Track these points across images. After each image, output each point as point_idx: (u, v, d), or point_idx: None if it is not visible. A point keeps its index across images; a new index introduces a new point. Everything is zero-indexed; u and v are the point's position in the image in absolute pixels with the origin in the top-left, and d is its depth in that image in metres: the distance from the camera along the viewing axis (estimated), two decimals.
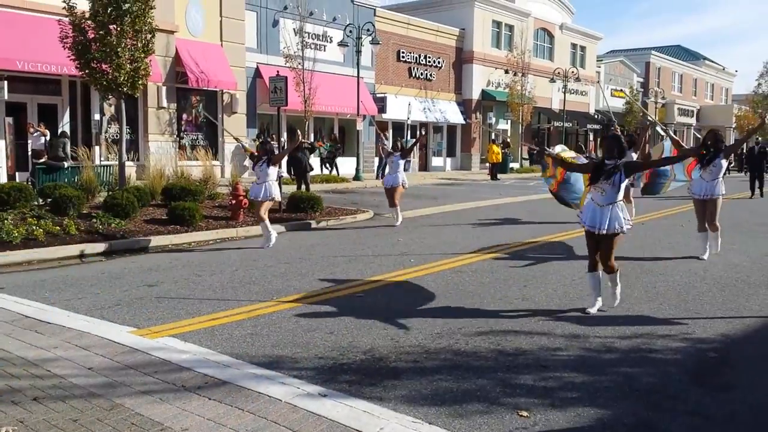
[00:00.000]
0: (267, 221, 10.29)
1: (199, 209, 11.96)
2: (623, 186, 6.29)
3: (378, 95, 29.00)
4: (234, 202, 12.55)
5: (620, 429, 3.86)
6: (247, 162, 11.22)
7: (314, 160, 20.91)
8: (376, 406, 4.05)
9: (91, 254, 9.57)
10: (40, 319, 5.84)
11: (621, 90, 46.19)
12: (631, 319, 6.20)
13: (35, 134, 16.79)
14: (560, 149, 8.52)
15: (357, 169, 25.06)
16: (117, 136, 17.03)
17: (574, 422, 3.92)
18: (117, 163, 14.40)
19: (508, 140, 34.84)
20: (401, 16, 31.18)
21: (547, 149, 8.02)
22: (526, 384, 4.50)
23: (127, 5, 12.35)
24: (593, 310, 6.36)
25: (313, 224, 12.96)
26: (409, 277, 7.99)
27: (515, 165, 35.35)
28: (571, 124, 40.37)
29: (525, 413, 4.02)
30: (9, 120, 17.06)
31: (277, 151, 11.42)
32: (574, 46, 42.03)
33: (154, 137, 20.07)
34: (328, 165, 25.64)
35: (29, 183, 14.04)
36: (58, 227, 10.12)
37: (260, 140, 12.22)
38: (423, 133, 27.93)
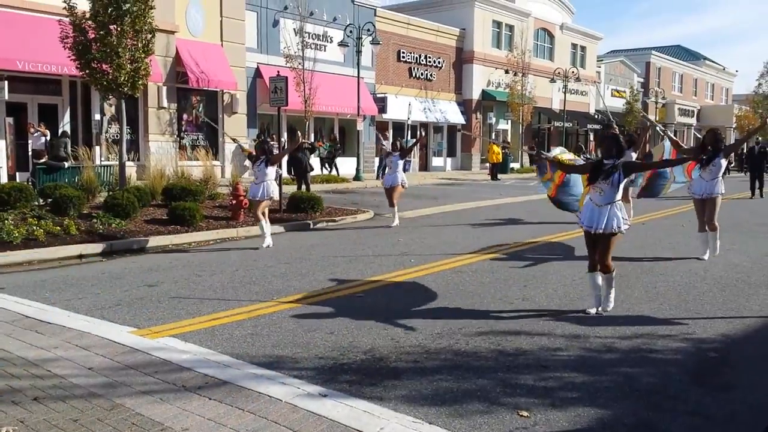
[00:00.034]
0: (263, 221, 10.25)
1: (199, 209, 11.97)
2: (622, 186, 6.27)
3: (378, 95, 29.01)
4: (234, 202, 12.56)
5: (620, 429, 3.86)
6: (248, 162, 11.24)
7: (314, 161, 20.92)
8: (376, 406, 4.05)
9: (91, 254, 9.58)
10: (41, 319, 5.85)
11: (622, 91, 46.23)
12: (632, 319, 6.20)
13: (35, 134, 16.80)
14: (559, 151, 8.42)
15: (357, 170, 25.07)
16: (117, 136, 17.03)
17: (575, 422, 3.92)
18: (117, 163, 14.40)
19: (509, 142, 34.85)
20: (401, 16, 31.19)
21: (544, 152, 7.93)
22: (527, 384, 4.50)
23: (127, 5, 12.35)
24: (593, 311, 6.35)
25: (314, 224, 12.96)
26: (410, 277, 8.00)
27: (516, 165, 35.36)
28: (571, 124, 40.36)
29: (525, 413, 4.02)
30: (9, 120, 17.06)
31: (276, 151, 11.42)
32: (574, 46, 42.03)
33: (155, 137, 20.07)
34: (327, 165, 25.65)
35: (30, 183, 14.04)
36: (58, 227, 10.12)
37: (260, 140, 12.21)
38: (422, 133, 27.94)
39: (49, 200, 11.68)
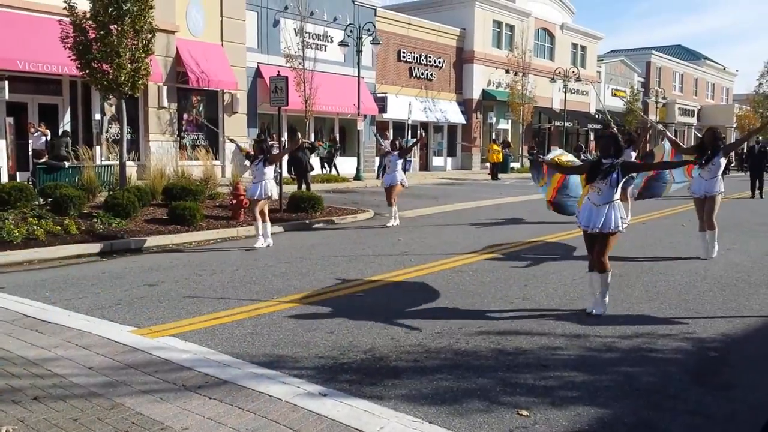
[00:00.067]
0: (260, 221, 10.21)
1: (199, 209, 11.97)
2: (620, 185, 6.24)
3: (378, 95, 29.01)
4: (235, 201, 12.56)
5: (620, 428, 3.86)
6: (247, 162, 11.20)
7: (314, 160, 20.91)
8: (376, 406, 4.05)
9: (91, 254, 9.58)
10: (41, 319, 5.85)
11: (622, 90, 46.20)
12: (632, 318, 6.19)
13: (36, 134, 16.80)
14: (559, 152, 8.33)
15: (357, 169, 25.07)
16: (118, 136, 17.02)
17: (575, 421, 3.92)
18: (118, 162, 14.41)
19: (509, 142, 34.86)
20: (402, 16, 31.19)
21: (541, 156, 7.85)
22: (527, 383, 4.50)
23: (127, 5, 12.35)
24: (592, 310, 6.34)
25: (314, 224, 12.96)
26: (410, 276, 8.00)
27: (516, 165, 35.36)
28: (571, 124, 40.36)
29: (525, 412, 4.02)
30: (10, 120, 17.06)
31: (276, 150, 11.40)
32: (574, 45, 42.03)
33: (155, 137, 20.08)
34: (326, 165, 25.65)
35: (30, 183, 14.04)
36: (58, 227, 10.13)
37: (258, 139, 12.15)
38: (422, 134, 27.95)
39: (50, 200, 11.69)
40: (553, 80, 35.85)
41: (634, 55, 51.46)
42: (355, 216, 13.99)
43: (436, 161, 34.02)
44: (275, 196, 10.65)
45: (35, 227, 9.81)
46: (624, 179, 6.34)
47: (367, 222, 13.62)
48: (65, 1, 12.62)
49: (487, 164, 30.79)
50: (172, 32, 20.04)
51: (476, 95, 34.64)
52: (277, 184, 11.24)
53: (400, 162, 12.84)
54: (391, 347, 5.23)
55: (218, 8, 22.11)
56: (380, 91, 29.36)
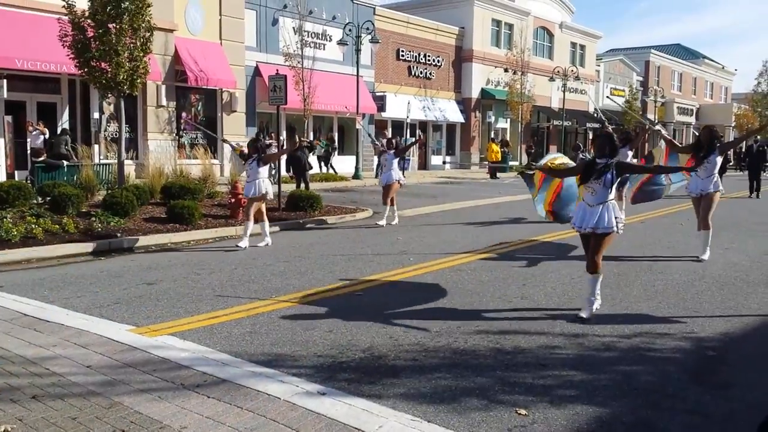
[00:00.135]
0: (250, 222, 10.12)
1: (198, 208, 11.97)
2: (614, 186, 6.15)
3: (377, 94, 29.00)
4: (233, 200, 12.55)
5: (619, 427, 3.86)
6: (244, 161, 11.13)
7: (312, 159, 20.90)
8: (375, 404, 4.05)
9: (89, 253, 9.57)
10: (39, 318, 5.84)
11: (621, 89, 46.21)
12: (630, 317, 6.19)
13: (34, 133, 16.79)
14: (552, 156, 8.12)
15: (356, 168, 25.06)
16: (116, 134, 17.03)
17: (573, 420, 3.92)
18: (116, 161, 14.39)
19: (508, 142, 34.87)
20: (401, 15, 31.18)
21: (533, 164, 7.63)
22: (525, 382, 4.50)
23: (125, 3, 12.34)
24: (592, 309, 6.33)
25: (313, 223, 12.95)
26: (409, 275, 8.00)
27: (515, 164, 35.35)
28: (570, 123, 40.37)
29: (524, 411, 4.02)
30: (8, 118, 17.06)
31: (275, 149, 11.37)
32: (573, 44, 42.03)
33: (154, 136, 20.07)
34: (323, 164, 25.65)
35: (28, 181, 14.04)
36: (57, 226, 10.11)
37: (253, 138, 12.07)
38: (420, 136, 27.99)
39: (48, 198, 11.67)
40: (552, 79, 35.86)
41: (633, 54, 51.47)
42: (354, 215, 13.99)
43: (435, 160, 34.02)
44: (271, 194, 10.58)
45: (33, 226, 9.80)
46: (618, 180, 6.27)
47: (366, 221, 13.61)
48: (64, 0, 12.60)
49: (486, 163, 30.80)
50: (171, 31, 20.02)
51: (475, 94, 34.64)
52: (275, 182, 11.21)
53: (396, 161, 12.80)
54: (389, 346, 5.23)
55: (217, 7, 22.09)
56: (379, 90, 29.35)
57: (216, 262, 8.92)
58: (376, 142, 15.71)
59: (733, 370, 4.91)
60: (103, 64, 12.53)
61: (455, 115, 33.79)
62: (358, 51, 24.45)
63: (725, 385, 4.57)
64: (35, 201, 11.85)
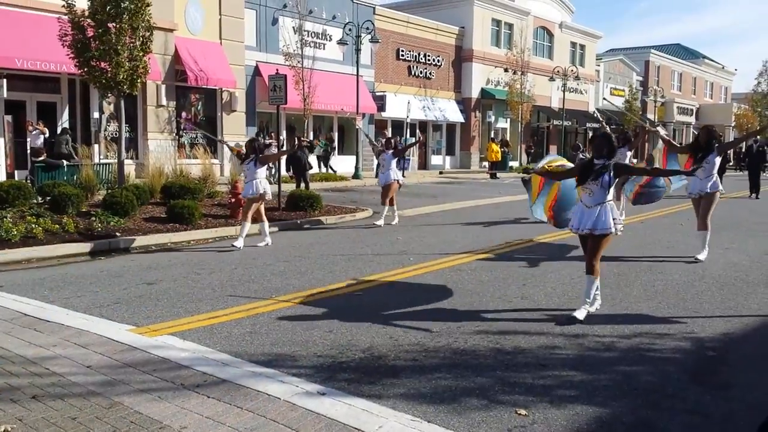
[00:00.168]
0: (247, 223, 10.09)
1: (198, 207, 11.96)
2: (612, 187, 6.10)
3: (377, 93, 29.00)
4: (233, 200, 12.55)
5: (619, 427, 3.86)
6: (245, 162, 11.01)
7: (312, 159, 20.91)
8: (374, 405, 4.04)
9: (89, 252, 9.57)
10: (39, 317, 5.84)
11: (621, 89, 46.21)
12: (630, 317, 6.19)
13: (34, 132, 16.78)
14: (549, 159, 7.95)
15: (356, 168, 25.07)
16: (116, 134, 17.03)
17: (573, 421, 3.92)
18: (116, 161, 14.39)
19: (508, 142, 34.88)
20: (401, 15, 31.18)
21: (531, 168, 7.42)
22: (525, 382, 4.50)
23: (125, 3, 12.33)
24: (592, 309, 6.32)
25: (313, 223, 12.95)
26: (408, 275, 8.00)
27: (514, 164, 35.37)
28: (570, 123, 40.37)
29: (524, 411, 4.02)
30: (8, 118, 17.05)
31: (274, 150, 11.34)
32: (573, 44, 42.03)
33: (153, 135, 20.07)
34: (322, 164, 25.66)
35: (28, 181, 14.04)
36: (57, 225, 10.11)
37: (250, 138, 12.00)
38: (420, 138, 28.02)
39: (48, 198, 11.67)
40: (551, 79, 35.85)
41: (633, 54, 51.48)
42: (354, 215, 13.99)
43: (435, 160, 34.02)
44: (270, 195, 10.53)
45: (33, 226, 9.80)
46: (616, 181, 6.21)
47: (366, 221, 13.60)
48: (64, 0, 12.60)
49: (485, 163, 30.80)
50: (171, 30, 20.01)
51: (475, 94, 34.64)
52: (275, 182, 11.18)
53: (394, 161, 12.77)
54: (389, 346, 5.23)
55: (217, 6, 22.09)
56: (379, 90, 29.35)
57: (216, 262, 8.92)
58: (374, 142, 15.69)
59: (733, 371, 4.91)
60: (103, 64, 12.52)
61: (455, 115, 33.78)
62: (358, 51, 24.45)
63: (725, 385, 4.57)
64: (35, 201, 11.85)
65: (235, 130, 22.64)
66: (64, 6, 12.61)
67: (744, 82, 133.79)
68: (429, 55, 32.35)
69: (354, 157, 25.97)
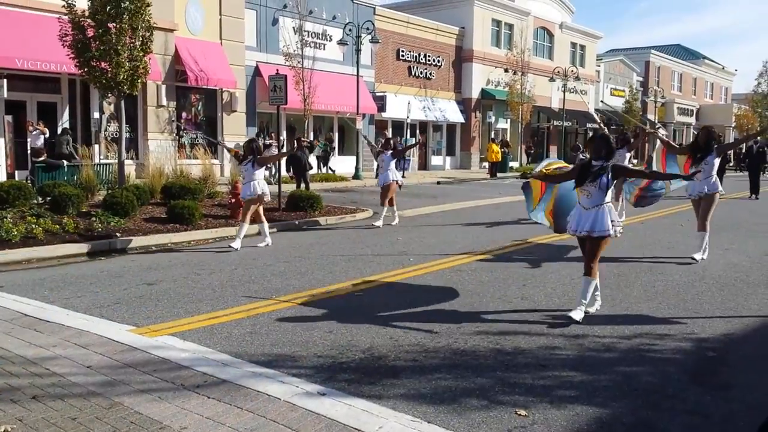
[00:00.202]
0: (246, 224, 10.06)
1: (198, 208, 11.96)
2: (610, 189, 6.07)
3: (377, 94, 29.00)
4: (233, 200, 12.55)
5: (619, 428, 3.86)
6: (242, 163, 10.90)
7: (312, 159, 20.91)
8: (375, 405, 4.05)
9: (90, 253, 9.57)
10: (40, 318, 5.84)
11: (621, 89, 46.21)
12: (630, 318, 6.19)
13: (34, 132, 16.79)
14: (547, 162, 7.88)
15: (356, 168, 25.06)
16: (116, 134, 17.03)
17: (573, 421, 3.92)
18: (116, 161, 14.40)
19: (508, 142, 34.88)
20: (401, 15, 31.18)
21: (529, 173, 7.32)
22: (525, 383, 4.50)
23: (125, 3, 12.34)
24: (592, 310, 6.33)
25: (313, 223, 12.95)
26: (409, 276, 8.00)
27: (514, 164, 35.38)
28: (570, 123, 40.38)
29: (524, 412, 4.02)
30: (8, 118, 17.05)
31: (275, 150, 11.33)
32: (573, 45, 42.03)
33: (154, 136, 20.07)
34: (321, 164, 25.66)
35: (28, 181, 14.04)
36: (57, 226, 10.11)
37: (248, 139, 11.94)
38: (419, 140, 28.04)
39: (48, 198, 11.67)
40: (552, 79, 35.85)
41: (633, 54, 51.49)
42: (354, 215, 13.99)
43: (435, 160, 34.02)
44: (268, 196, 10.47)
45: (34, 226, 9.80)
46: (614, 182, 6.17)
47: (366, 221, 13.60)
48: (64, 0, 12.60)
49: (485, 164, 30.79)
50: (171, 30, 20.02)
51: (475, 94, 34.64)
52: (275, 182, 11.16)
53: (393, 161, 12.76)
54: (389, 347, 5.23)
55: (217, 7, 22.10)
56: (379, 90, 29.35)
57: (216, 262, 8.92)
58: (373, 144, 15.68)
59: (734, 371, 4.92)
60: (103, 64, 12.53)
61: (455, 116, 33.78)
62: (358, 51, 24.45)
63: (725, 386, 4.57)
64: (35, 201, 11.85)
65: (235, 130, 22.64)
66: (64, 6, 12.62)
67: (744, 82, 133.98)
68: (429, 56, 32.36)
69: (354, 158, 25.96)
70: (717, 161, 9.03)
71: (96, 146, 18.94)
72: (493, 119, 35.79)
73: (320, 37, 26.59)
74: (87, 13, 12.54)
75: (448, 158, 34.76)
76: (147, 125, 20.02)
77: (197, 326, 5.74)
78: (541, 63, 37.98)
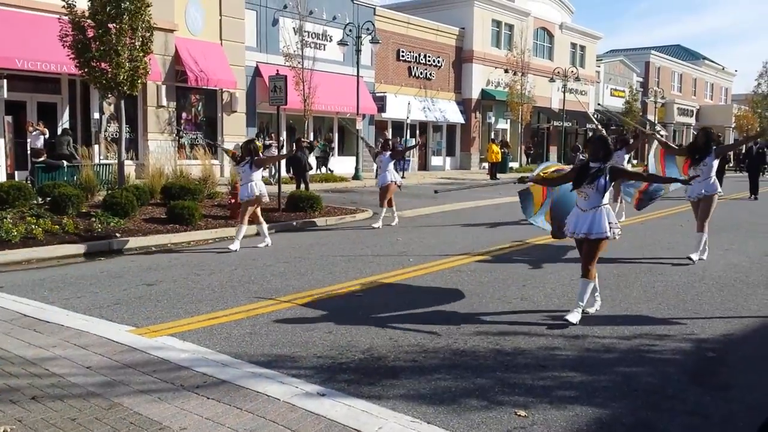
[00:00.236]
0: (244, 225, 10.02)
1: (198, 208, 11.96)
2: (608, 191, 6.04)
3: (377, 94, 29.01)
4: (233, 201, 12.55)
5: (619, 428, 3.86)
6: (240, 164, 10.81)
7: (311, 159, 20.91)
8: (374, 406, 4.04)
9: (89, 253, 9.57)
10: (39, 318, 5.84)
11: (621, 90, 46.22)
12: (630, 318, 6.19)
13: (34, 133, 16.80)
14: (544, 166, 7.82)
15: (356, 169, 25.07)
16: (116, 134, 17.02)
17: (573, 422, 3.92)
18: (116, 161, 14.40)
19: (508, 143, 34.89)
20: (401, 15, 31.19)
21: (527, 176, 7.21)
22: (525, 383, 4.50)
23: (125, 3, 12.34)
24: (591, 310, 6.34)
25: (312, 223, 12.95)
26: (408, 276, 7.99)
27: (515, 164, 35.38)
28: (570, 124, 40.38)
29: (523, 412, 4.02)
30: (8, 119, 17.06)
31: (275, 151, 11.33)
32: (573, 45, 42.04)
33: (154, 136, 20.08)
34: (321, 165, 25.66)
35: (28, 182, 14.04)
36: (57, 226, 10.11)
37: (246, 140, 11.88)
38: (419, 142, 28.02)
39: (48, 199, 11.67)
40: (552, 80, 35.86)
41: (633, 54, 51.50)
42: (354, 216, 13.99)
43: (435, 161, 34.03)
44: (266, 197, 10.43)
45: (33, 226, 9.80)
46: (612, 183, 6.14)
47: (366, 222, 13.60)
48: (64, 0, 12.60)
49: (485, 164, 30.78)
50: (171, 31, 20.03)
51: (475, 95, 34.65)
52: (274, 183, 11.15)
53: (391, 162, 12.74)
54: (389, 347, 5.23)
55: (217, 7, 22.10)
56: (379, 91, 29.36)
57: (216, 262, 8.92)
58: (371, 145, 15.67)
59: (733, 372, 4.91)
60: (103, 65, 12.53)
61: (455, 116, 33.79)
62: (358, 51, 24.46)
63: (725, 386, 4.57)
64: (35, 201, 11.85)
65: (235, 130, 22.65)
66: (64, 6, 12.62)
67: (744, 82, 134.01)
68: (429, 56, 32.36)
69: (354, 158, 25.96)
70: (716, 163, 9.00)
71: (96, 147, 18.94)
72: (493, 120, 35.79)
73: (320, 37, 26.60)
74: (87, 14, 12.55)
75: (448, 159, 34.77)
76: (147, 126, 20.03)
77: (197, 327, 5.74)
78: (541, 63, 37.99)
